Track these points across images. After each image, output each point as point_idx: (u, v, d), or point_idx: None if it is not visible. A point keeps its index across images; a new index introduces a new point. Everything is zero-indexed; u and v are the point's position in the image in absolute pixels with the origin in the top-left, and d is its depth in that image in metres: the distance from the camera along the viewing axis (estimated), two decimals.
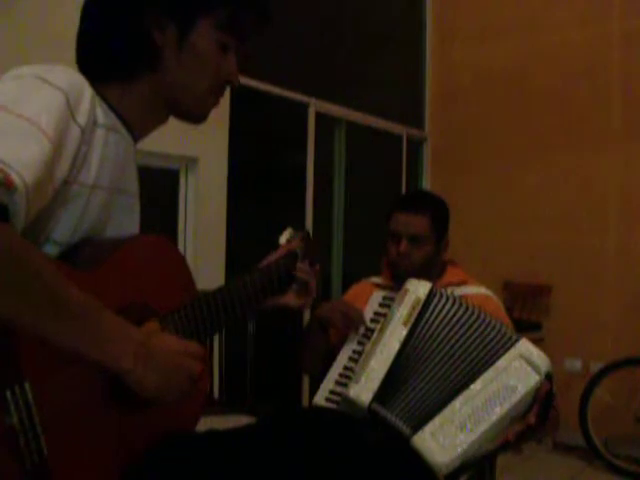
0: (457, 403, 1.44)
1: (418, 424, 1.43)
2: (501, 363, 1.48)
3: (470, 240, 4.43)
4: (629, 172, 4.05)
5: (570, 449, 4.00)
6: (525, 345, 1.51)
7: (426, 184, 4.91)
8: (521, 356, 1.49)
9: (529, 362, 1.48)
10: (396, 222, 1.85)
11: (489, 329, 1.54)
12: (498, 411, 1.42)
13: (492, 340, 1.52)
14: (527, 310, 4.27)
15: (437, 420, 1.42)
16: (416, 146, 4.94)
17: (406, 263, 1.83)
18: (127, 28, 1.03)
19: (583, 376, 3.94)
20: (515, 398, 1.44)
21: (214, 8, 1.04)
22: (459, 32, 4.81)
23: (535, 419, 1.44)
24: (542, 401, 1.46)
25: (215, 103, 1.11)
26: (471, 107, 4.68)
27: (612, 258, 4.06)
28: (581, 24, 4.23)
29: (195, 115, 1.10)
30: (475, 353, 1.51)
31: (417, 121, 4.94)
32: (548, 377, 1.47)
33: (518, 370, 1.47)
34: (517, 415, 1.45)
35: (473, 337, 1.53)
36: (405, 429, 1.43)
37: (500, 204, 4.47)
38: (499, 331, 1.53)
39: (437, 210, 1.88)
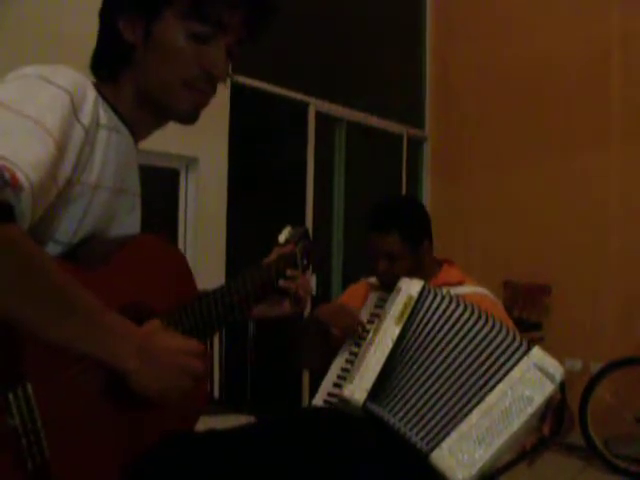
0: (473, 417, 1.42)
1: (432, 438, 1.41)
2: (515, 373, 1.45)
3: (470, 240, 4.44)
4: (629, 172, 4.05)
5: (570, 449, 3.99)
6: (539, 354, 1.48)
7: (426, 184, 4.91)
8: (535, 365, 1.46)
9: (544, 372, 1.45)
10: (370, 242, 1.88)
11: (495, 332, 1.51)
12: (516, 423, 1.40)
13: (500, 345, 1.49)
14: (527, 310, 4.26)
15: (454, 435, 1.40)
16: (416, 146, 4.94)
17: (389, 279, 1.83)
18: (103, 28, 1.05)
19: (583, 376, 3.94)
20: (532, 409, 1.42)
21: None
22: (459, 32, 4.81)
23: (549, 429, 1.43)
24: (555, 410, 1.45)
25: (199, 99, 1.06)
26: (471, 107, 4.68)
27: (612, 258, 4.05)
28: (581, 24, 4.23)
29: (174, 112, 1.06)
30: (483, 358, 1.48)
31: (417, 121, 4.94)
32: (561, 385, 1.46)
33: (533, 380, 1.44)
34: (533, 425, 1.44)
35: (477, 339, 1.51)
36: (421, 444, 1.41)
37: (500, 204, 4.47)
38: (507, 335, 1.50)
39: (406, 222, 1.86)
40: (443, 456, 1.38)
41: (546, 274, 4.22)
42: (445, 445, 1.39)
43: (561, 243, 4.19)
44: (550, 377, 1.45)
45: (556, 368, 1.46)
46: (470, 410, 1.43)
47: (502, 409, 1.42)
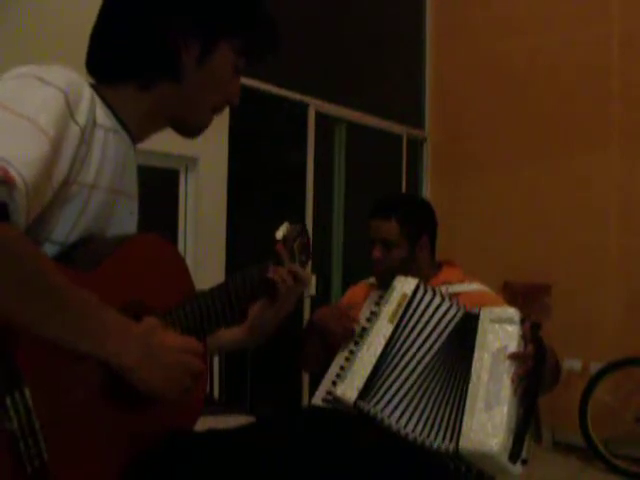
0: (470, 393, 1.45)
1: (451, 434, 1.41)
2: (479, 338, 1.52)
3: (470, 240, 4.44)
4: (629, 171, 4.05)
5: (570, 449, 4.00)
6: (487, 310, 1.57)
7: (426, 184, 4.91)
8: (491, 321, 1.54)
9: (501, 320, 1.53)
10: (370, 228, 1.91)
11: (458, 314, 1.60)
12: (507, 371, 1.44)
13: (463, 325, 1.57)
14: (527, 310, 4.26)
15: (466, 418, 1.41)
16: (416, 146, 4.94)
17: (382, 267, 1.88)
18: (155, 39, 1.04)
19: (583, 376, 3.94)
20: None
21: (237, 33, 1.08)
22: (459, 32, 4.81)
23: (533, 350, 1.46)
24: (531, 337, 1.49)
25: (212, 120, 1.14)
26: (471, 107, 4.68)
27: (612, 258, 4.05)
28: (581, 24, 4.23)
29: (193, 130, 1.14)
30: (455, 342, 1.55)
31: (417, 121, 4.94)
32: (523, 321, 1.53)
33: (497, 332, 1.52)
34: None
35: (450, 327, 1.58)
36: (443, 445, 1.41)
37: (500, 204, 4.47)
38: (462, 312, 1.59)
39: (407, 213, 1.89)
40: (470, 440, 1.38)
41: (546, 274, 4.22)
42: (465, 430, 1.40)
43: (561, 243, 4.19)
44: (509, 320, 1.52)
45: (508, 311, 1.56)
46: (465, 390, 1.46)
47: (489, 371, 1.46)
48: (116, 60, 1.06)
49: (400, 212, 1.88)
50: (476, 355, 1.50)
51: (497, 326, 1.53)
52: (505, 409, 1.39)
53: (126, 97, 1.05)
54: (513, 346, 1.48)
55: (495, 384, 1.44)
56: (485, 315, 1.57)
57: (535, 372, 1.44)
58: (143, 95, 1.06)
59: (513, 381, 1.43)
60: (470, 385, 1.46)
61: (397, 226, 1.87)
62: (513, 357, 1.45)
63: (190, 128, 1.13)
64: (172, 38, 1.03)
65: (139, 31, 1.04)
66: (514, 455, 1.36)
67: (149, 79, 1.05)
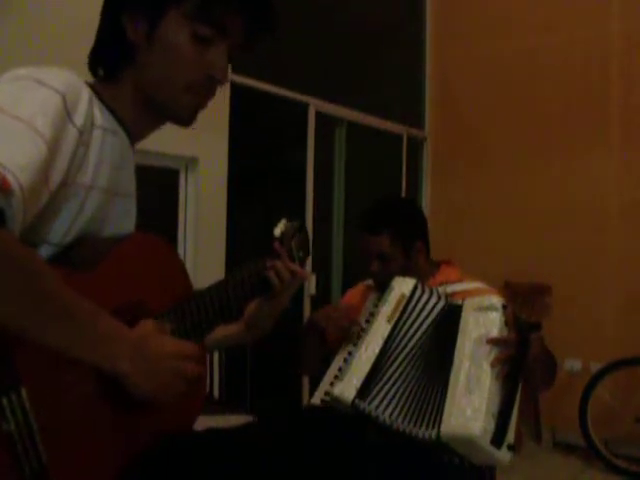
0: (452, 379, 1.46)
1: (433, 420, 1.43)
2: (462, 327, 1.55)
3: (470, 240, 4.43)
4: (629, 172, 4.05)
5: (570, 449, 4.00)
6: (470, 301, 1.60)
7: (426, 184, 4.91)
8: (474, 309, 1.57)
9: (483, 309, 1.56)
10: (362, 243, 1.92)
11: (445, 311, 1.62)
12: (487, 357, 1.47)
13: (449, 316, 1.61)
14: (527, 310, 4.25)
15: (447, 404, 1.43)
16: (416, 146, 4.94)
17: (381, 279, 1.87)
18: (105, 25, 1.04)
19: (583, 376, 3.94)
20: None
21: None
22: (459, 32, 4.81)
23: (515, 336, 1.48)
24: (514, 324, 1.52)
25: (198, 102, 1.06)
26: (471, 107, 4.68)
27: (612, 258, 4.05)
28: (581, 24, 4.23)
29: (174, 114, 1.06)
30: (443, 333, 1.58)
31: (417, 121, 4.94)
32: (505, 308, 1.57)
33: (479, 320, 1.55)
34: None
35: (439, 320, 1.62)
36: (425, 432, 1.42)
37: (500, 204, 4.47)
38: (448, 306, 1.62)
39: (396, 224, 1.88)
40: (450, 425, 1.39)
41: (546, 274, 4.20)
42: (446, 416, 1.41)
43: (561, 243, 4.19)
44: (491, 308, 1.57)
45: (490, 299, 1.60)
46: (447, 377, 1.47)
47: (469, 357, 1.48)
48: (93, 57, 1.07)
49: (391, 225, 1.86)
50: (458, 343, 1.52)
51: (480, 314, 1.55)
52: (485, 393, 1.40)
53: (119, 93, 1.05)
54: (494, 332, 1.50)
55: (476, 370, 1.45)
56: (468, 304, 1.60)
57: (517, 357, 1.44)
58: (121, 87, 1.05)
59: (493, 366, 1.43)
60: (452, 372, 1.47)
61: (390, 239, 1.86)
62: (493, 342, 1.47)
63: (172, 112, 1.05)
64: (119, 19, 1.01)
65: (102, 22, 1.05)
66: (497, 439, 1.36)
67: (116, 69, 1.04)
